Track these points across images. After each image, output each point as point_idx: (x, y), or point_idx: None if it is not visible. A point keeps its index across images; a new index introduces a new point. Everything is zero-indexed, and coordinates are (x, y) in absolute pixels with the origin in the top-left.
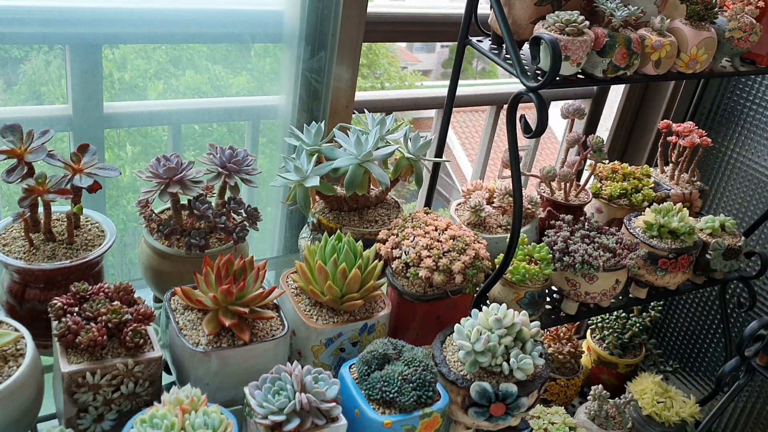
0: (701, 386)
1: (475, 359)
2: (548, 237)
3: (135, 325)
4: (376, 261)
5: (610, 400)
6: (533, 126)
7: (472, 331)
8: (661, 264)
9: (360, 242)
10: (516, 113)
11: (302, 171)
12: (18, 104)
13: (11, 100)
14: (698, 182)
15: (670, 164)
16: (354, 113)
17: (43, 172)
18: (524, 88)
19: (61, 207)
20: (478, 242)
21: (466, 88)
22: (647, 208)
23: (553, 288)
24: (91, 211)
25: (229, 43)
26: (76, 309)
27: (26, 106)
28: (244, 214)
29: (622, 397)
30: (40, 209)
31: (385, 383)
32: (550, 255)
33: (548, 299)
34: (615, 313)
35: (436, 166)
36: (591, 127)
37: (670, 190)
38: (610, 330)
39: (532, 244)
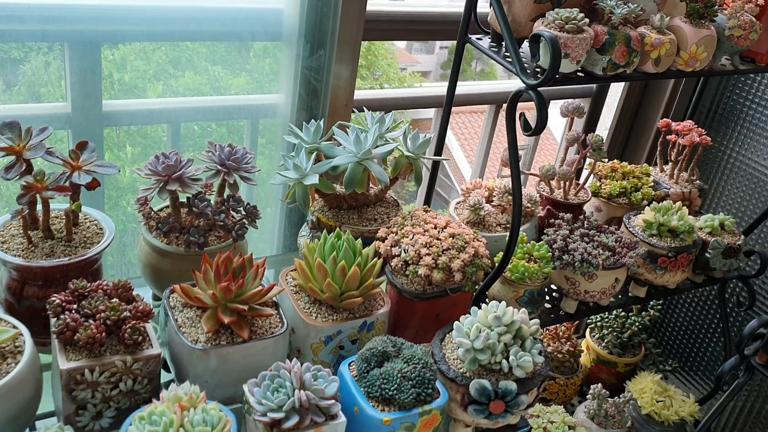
0: (700, 385)
1: (474, 357)
2: (547, 235)
3: (134, 322)
4: (376, 259)
5: (609, 399)
6: (533, 124)
7: (472, 328)
8: (660, 262)
9: (359, 240)
10: (515, 111)
11: (301, 169)
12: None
13: (11, 101)
14: (697, 181)
15: (670, 163)
16: (353, 111)
17: (42, 170)
18: (524, 85)
19: (59, 204)
20: (478, 240)
21: (465, 87)
22: (647, 207)
23: (553, 287)
24: (90, 209)
25: (228, 42)
26: (75, 306)
27: (25, 104)
28: (243, 212)
29: (621, 396)
30: (39, 207)
31: (385, 381)
32: (550, 253)
33: (547, 298)
34: (614, 312)
35: (436, 165)
36: (590, 126)
37: (669, 188)
38: (610, 329)
39: (532, 242)
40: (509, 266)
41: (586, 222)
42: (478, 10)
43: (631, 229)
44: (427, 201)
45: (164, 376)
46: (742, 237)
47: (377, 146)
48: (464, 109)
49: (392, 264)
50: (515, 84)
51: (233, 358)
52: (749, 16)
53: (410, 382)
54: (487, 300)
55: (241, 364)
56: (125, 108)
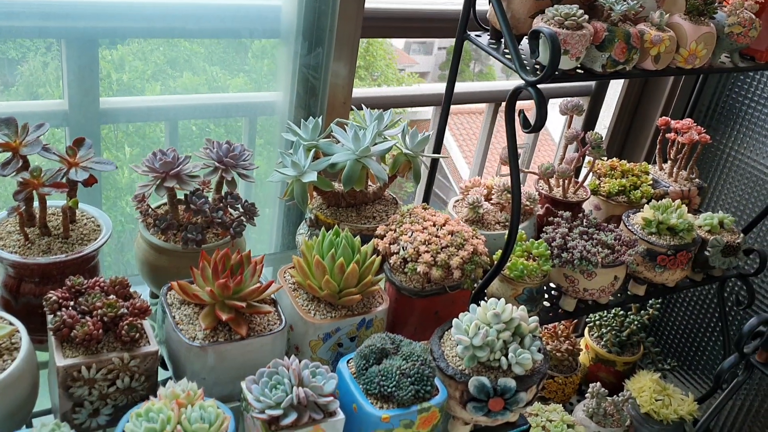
0: (699, 384)
1: (473, 354)
2: (546, 233)
3: (131, 319)
4: (374, 256)
5: (608, 397)
6: (532, 121)
7: (471, 325)
8: (659, 261)
9: (358, 237)
10: (515, 108)
11: (299, 166)
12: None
13: (8, 101)
14: (697, 179)
15: (669, 161)
16: (352, 109)
17: (39, 166)
18: (523, 82)
19: (56, 201)
20: (477, 238)
21: (464, 86)
22: (646, 205)
23: (552, 285)
24: (87, 206)
25: (226, 38)
26: (72, 303)
27: (22, 101)
28: (241, 209)
29: (620, 394)
30: (36, 203)
31: (383, 378)
32: (549, 251)
33: (546, 296)
34: (613, 310)
35: (434, 163)
36: (589, 124)
37: (668, 187)
38: (608, 328)
39: (531, 240)
40: (508, 264)
41: (585, 220)
42: (477, 7)
43: (630, 227)
44: (426, 199)
45: (162, 374)
46: (742, 235)
47: (376, 144)
48: (462, 110)
49: (391, 261)
50: (514, 84)
51: (231, 356)
52: (749, 13)
53: (409, 379)
54: (485, 298)
55: (239, 361)
56: (123, 105)
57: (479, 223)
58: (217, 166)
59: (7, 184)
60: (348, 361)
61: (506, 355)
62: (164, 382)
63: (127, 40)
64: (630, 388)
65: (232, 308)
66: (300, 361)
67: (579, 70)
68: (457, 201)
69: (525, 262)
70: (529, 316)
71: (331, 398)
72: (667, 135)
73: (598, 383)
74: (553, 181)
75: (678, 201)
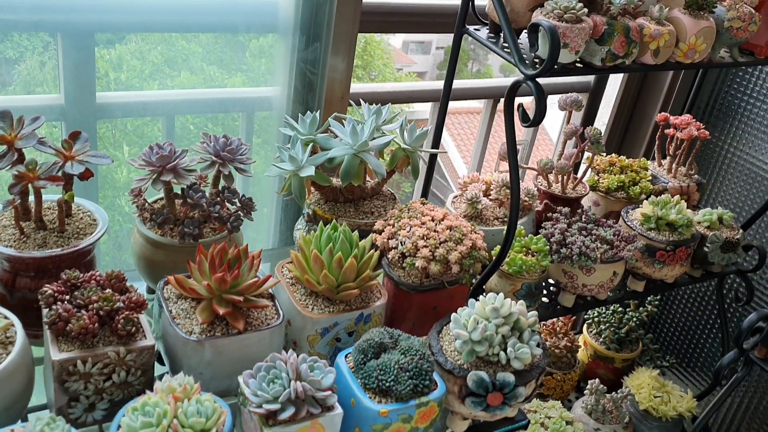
0: (698, 382)
1: (472, 348)
2: (545, 229)
3: (127, 313)
4: (372, 251)
5: (606, 394)
6: (531, 115)
7: (469, 320)
8: (658, 256)
9: (356, 232)
10: (514, 102)
11: (297, 161)
12: None
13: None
14: (696, 175)
15: (668, 157)
16: (350, 104)
17: (34, 159)
18: (522, 76)
19: (52, 196)
20: (475, 233)
21: (462, 82)
22: (645, 201)
23: (550, 281)
24: (83, 200)
25: (223, 37)
26: (67, 297)
27: (18, 95)
28: (239, 204)
29: (619, 391)
30: (31, 198)
31: (382, 372)
32: (547, 247)
33: (545, 292)
34: (611, 307)
35: (433, 158)
36: (588, 120)
37: (667, 183)
38: (607, 324)
39: (529, 235)
40: (507, 259)
41: (584, 216)
42: (476, 1)
43: (629, 223)
44: (424, 194)
45: (159, 369)
46: (741, 231)
47: (374, 138)
48: (460, 109)
49: (389, 256)
50: (512, 81)
51: (228, 350)
52: (748, 7)
53: (407, 374)
54: (484, 293)
55: (236, 355)
56: (119, 100)
57: (478, 218)
58: (214, 160)
59: (2, 177)
60: (346, 356)
61: (505, 350)
62: (161, 377)
63: (125, 40)
64: (629, 384)
65: (229, 302)
66: (298, 356)
67: (578, 64)
68: (456, 197)
69: (524, 258)
70: (528, 312)
71: (329, 392)
72: (666, 131)
73: (597, 380)
74: (551, 176)
75: (677, 197)
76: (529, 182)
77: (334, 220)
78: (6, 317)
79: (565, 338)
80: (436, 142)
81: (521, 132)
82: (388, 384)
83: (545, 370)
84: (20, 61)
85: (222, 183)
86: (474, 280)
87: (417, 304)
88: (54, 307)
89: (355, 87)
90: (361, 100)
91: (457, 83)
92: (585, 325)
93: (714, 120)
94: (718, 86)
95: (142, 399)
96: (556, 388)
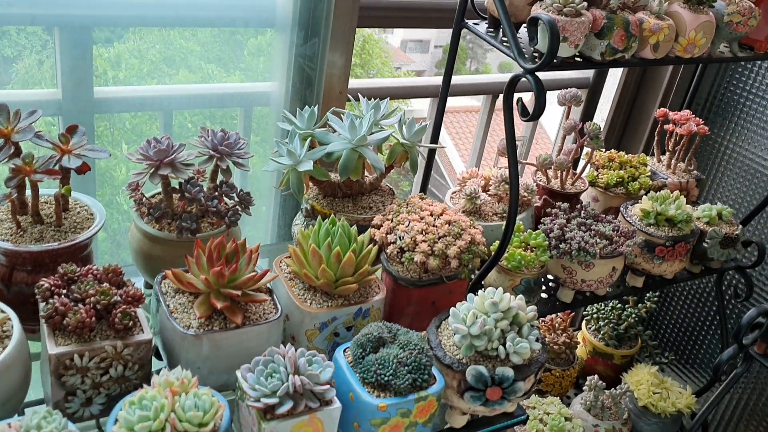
0: (697, 378)
1: (470, 343)
2: (544, 225)
3: (124, 306)
4: (371, 245)
5: (605, 390)
6: (530, 110)
7: (468, 314)
8: (658, 252)
9: (354, 227)
10: (513, 97)
11: (295, 155)
12: None
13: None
14: (695, 171)
15: (667, 153)
16: (348, 99)
17: (31, 152)
18: (522, 70)
19: (49, 190)
20: (474, 228)
21: (461, 78)
22: (644, 196)
23: (549, 276)
24: (80, 194)
25: (221, 36)
26: (64, 291)
27: (15, 90)
28: (237, 198)
29: (617, 387)
30: (28, 192)
31: (380, 366)
32: (546, 242)
33: (544, 288)
34: (610, 303)
35: (431, 153)
36: (587, 116)
37: (666, 178)
38: (606, 321)
39: (528, 231)
40: (506, 255)
41: (583, 211)
42: None
43: (628, 219)
44: (423, 189)
45: (156, 365)
46: (740, 227)
47: (372, 133)
48: (458, 108)
49: (388, 251)
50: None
51: (226, 344)
52: (748, 2)
53: (406, 368)
54: (483, 288)
55: (234, 350)
56: (117, 95)
57: (476, 214)
58: (212, 155)
59: None
60: (344, 350)
61: (504, 345)
62: (158, 372)
63: (124, 38)
64: (628, 381)
65: (227, 297)
66: (296, 350)
67: (578, 59)
68: (455, 192)
69: (523, 253)
70: (527, 306)
71: (328, 386)
72: (666, 126)
73: (596, 376)
74: (550, 172)
75: (676, 192)
76: (528, 178)
77: (332, 215)
78: (2, 311)
79: (564, 334)
80: (435, 137)
81: (520, 128)
82: (386, 378)
83: (544, 365)
84: (18, 60)
85: (220, 177)
86: (473, 276)
87: (416, 299)
88: (51, 300)
89: (354, 83)
90: (359, 94)
91: (455, 79)
92: (584, 322)
93: (713, 116)
94: (718, 82)
95: (140, 393)
96: (554, 385)
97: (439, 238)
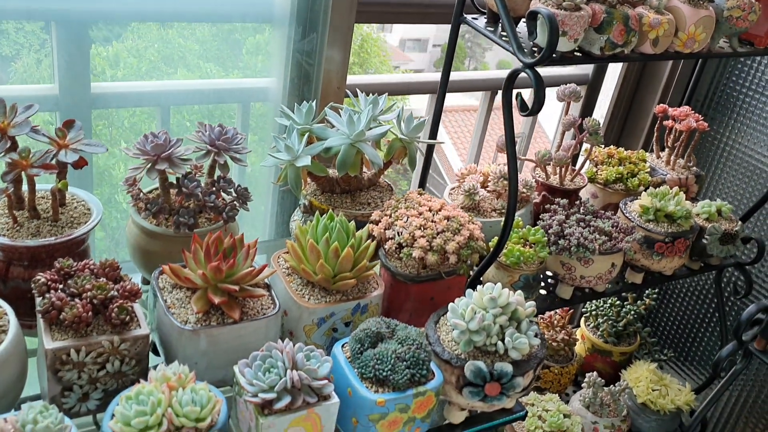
0: (696, 375)
1: (469, 338)
2: (543, 221)
3: (121, 301)
4: (369, 241)
5: (604, 387)
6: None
7: (467, 310)
8: (657, 248)
9: (352, 223)
10: (512, 92)
11: (293, 150)
12: None
13: None
14: (694, 167)
15: (666, 149)
16: (347, 95)
17: (27, 147)
18: (521, 64)
19: (46, 185)
20: (473, 223)
21: (460, 74)
22: (643, 192)
23: (548, 273)
24: (77, 189)
25: (220, 35)
26: (61, 285)
27: (11, 85)
28: (234, 194)
29: (617, 384)
30: (25, 187)
31: (378, 361)
32: (545, 238)
33: (543, 284)
34: (609, 300)
35: (430, 149)
36: (586, 113)
37: (666, 175)
38: (605, 318)
39: (527, 227)
40: (504, 250)
41: (582, 207)
42: None
43: (627, 215)
44: (422, 184)
45: (153, 360)
46: (740, 223)
47: (370, 128)
48: (457, 107)
49: (386, 247)
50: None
51: (224, 339)
52: None
53: (404, 363)
54: (482, 284)
55: (232, 345)
56: (114, 90)
57: (475, 210)
58: (209, 149)
59: None
60: (343, 346)
61: (503, 340)
62: (155, 367)
63: (122, 37)
64: (627, 378)
65: (224, 292)
66: (294, 345)
67: (577, 53)
68: (453, 188)
69: (521, 249)
70: (526, 302)
71: (326, 381)
72: (665, 122)
73: (595, 373)
74: (549, 168)
75: (676, 188)
76: (527, 174)
77: (330, 211)
78: None
79: (563, 331)
80: (434, 133)
81: (519, 125)
82: (385, 373)
83: (543, 360)
84: (17, 59)
85: (217, 173)
86: (471, 272)
87: (414, 295)
88: (47, 295)
89: (352, 78)
90: (357, 90)
91: (454, 75)
92: (582, 319)
93: (713, 112)
94: (717, 78)
95: (136, 388)
96: (553, 382)
97: (437, 234)
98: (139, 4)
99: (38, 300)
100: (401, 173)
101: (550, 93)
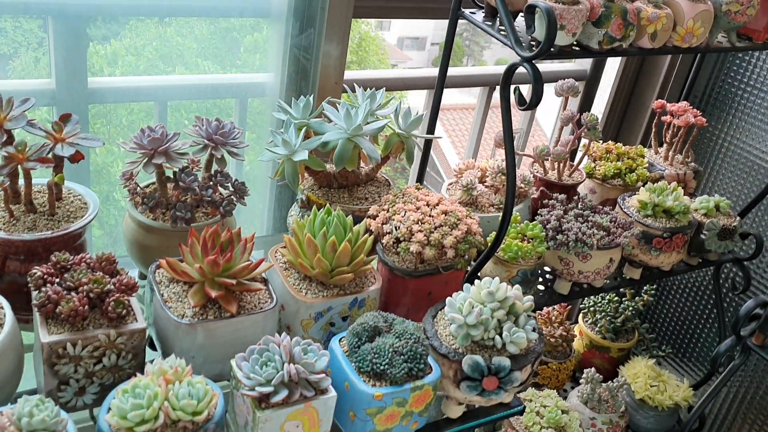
0: (694, 372)
1: (467, 332)
2: (541, 216)
3: (117, 295)
4: (366, 235)
5: (602, 383)
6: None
7: (464, 304)
8: (655, 243)
9: (350, 217)
10: (510, 86)
11: (290, 145)
12: None
13: None
14: (692, 163)
15: (665, 145)
16: (344, 90)
17: (23, 140)
18: (519, 58)
19: (42, 180)
20: (471, 218)
21: (458, 70)
22: (642, 187)
23: (546, 268)
24: (74, 184)
25: (218, 33)
26: (57, 279)
27: (8, 80)
28: (231, 188)
29: (615, 380)
30: (21, 181)
31: (376, 355)
32: (543, 233)
33: (541, 279)
34: (607, 296)
35: (428, 144)
36: (585, 108)
37: (664, 170)
38: (603, 314)
39: (525, 222)
40: (502, 246)
41: (580, 202)
42: None
43: (626, 210)
44: (420, 179)
45: (151, 356)
46: (738, 218)
47: (368, 123)
48: (455, 106)
49: (383, 242)
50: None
51: (221, 333)
52: None
53: (402, 357)
54: (479, 279)
55: (229, 339)
56: (111, 85)
57: (473, 205)
58: (206, 144)
59: None
60: (340, 340)
61: (500, 334)
62: (152, 362)
63: (120, 36)
64: (625, 374)
65: (221, 286)
66: (291, 339)
67: (575, 47)
68: (451, 183)
69: (519, 244)
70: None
71: (323, 375)
72: (663, 118)
73: (593, 369)
74: (548, 163)
75: (674, 183)
76: (525, 169)
77: (327, 205)
78: None
79: (561, 327)
80: (432, 128)
81: (517, 121)
82: (382, 367)
83: (541, 355)
84: (14, 57)
85: (215, 167)
86: (469, 266)
87: (412, 290)
88: (43, 289)
89: (349, 74)
90: (355, 84)
91: (452, 70)
92: (580, 315)
93: (711, 108)
94: (716, 74)
95: (133, 381)
96: (551, 378)
97: (435, 228)
98: None
99: (34, 293)
100: (399, 171)
101: (548, 89)
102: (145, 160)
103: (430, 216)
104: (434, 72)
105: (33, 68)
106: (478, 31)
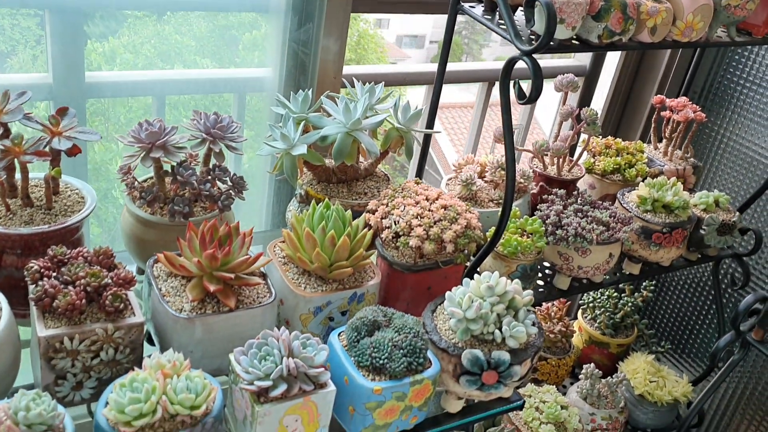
0: (693, 368)
1: (466, 327)
2: (541, 211)
3: (115, 289)
4: (366, 230)
5: (602, 379)
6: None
7: (464, 298)
8: (654, 238)
9: (349, 212)
10: (509, 80)
11: (289, 139)
12: None
13: None
14: (692, 158)
15: (664, 140)
16: (343, 85)
17: (20, 133)
18: (518, 52)
19: (39, 174)
20: (470, 212)
21: (457, 65)
22: (641, 183)
23: (545, 264)
24: (71, 178)
25: (217, 32)
26: (54, 273)
27: (5, 74)
28: (230, 183)
29: (614, 376)
30: (18, 175)
31: (375, 349)
32: (543, 228)
33: (540, 274)
34: (606, 292)
35: (427, 139)
36: (584, 103)
37: (663, 165)
38: (602, 310)
39: (525, 217)
40: (502, 240)
41: (579, 197)
42: None
43: (625, 205)
44: (419, 174)
45: (149, 351)
46: (737, 214)
47: (367, 117)
48: (453, 104)
49: (383, 236)
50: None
51: (219, 328)
52: None
53: (401, 351)
54: (479, 274)
55: (227, 333)
56: (108, 79)
57: (472, 200)
58: (204, 138)
59: None
60: (339, 334)
61: (500, 329)
62: (150, 356)
63: (118, 33)
64: (624, 369)
65: (220, 280)
66: (290, 333)
67: (574, 41)
68: (450, 179)
69: (519, 239)
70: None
71: (322, 369)
72: (663, 113)
73: (592, 365)
74: (547, 159)
75: (673, 179)
76: (524, 164)
77: (326, 199)
78: None
79: (560, 323)
80: (431, 122)
81: (516, 117)
82: (381, 361)
83: (540, 349)
84: (12, 55)
85: (213, 161)
86: (469, 262)
87: (411, 285)
88: (40, 283)
89: (348, 69)
90: (354, 78)
91: (451, 66)
92: (580, 311)
93: (710, 104)
94: (715, 69)
95: (131, 375)
96: (551, 373)
97: (434, 223)
98: None
99: (31, 287)
100: (397, 169)
101: (547, 85)
102: (142, 154)
103: (429, 210)
104: (433, 67)
105: (30, 66)
106: (476, 29)
